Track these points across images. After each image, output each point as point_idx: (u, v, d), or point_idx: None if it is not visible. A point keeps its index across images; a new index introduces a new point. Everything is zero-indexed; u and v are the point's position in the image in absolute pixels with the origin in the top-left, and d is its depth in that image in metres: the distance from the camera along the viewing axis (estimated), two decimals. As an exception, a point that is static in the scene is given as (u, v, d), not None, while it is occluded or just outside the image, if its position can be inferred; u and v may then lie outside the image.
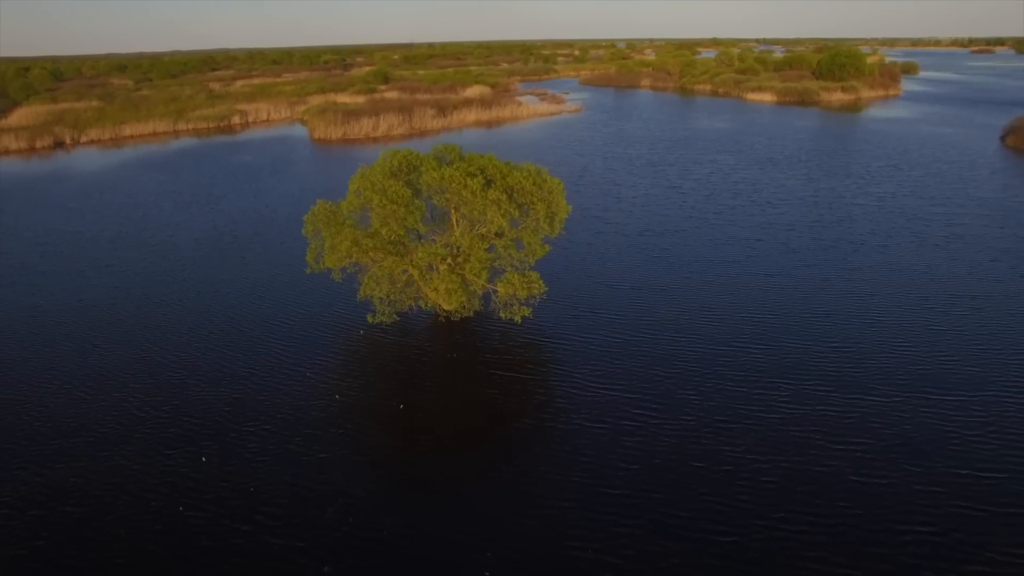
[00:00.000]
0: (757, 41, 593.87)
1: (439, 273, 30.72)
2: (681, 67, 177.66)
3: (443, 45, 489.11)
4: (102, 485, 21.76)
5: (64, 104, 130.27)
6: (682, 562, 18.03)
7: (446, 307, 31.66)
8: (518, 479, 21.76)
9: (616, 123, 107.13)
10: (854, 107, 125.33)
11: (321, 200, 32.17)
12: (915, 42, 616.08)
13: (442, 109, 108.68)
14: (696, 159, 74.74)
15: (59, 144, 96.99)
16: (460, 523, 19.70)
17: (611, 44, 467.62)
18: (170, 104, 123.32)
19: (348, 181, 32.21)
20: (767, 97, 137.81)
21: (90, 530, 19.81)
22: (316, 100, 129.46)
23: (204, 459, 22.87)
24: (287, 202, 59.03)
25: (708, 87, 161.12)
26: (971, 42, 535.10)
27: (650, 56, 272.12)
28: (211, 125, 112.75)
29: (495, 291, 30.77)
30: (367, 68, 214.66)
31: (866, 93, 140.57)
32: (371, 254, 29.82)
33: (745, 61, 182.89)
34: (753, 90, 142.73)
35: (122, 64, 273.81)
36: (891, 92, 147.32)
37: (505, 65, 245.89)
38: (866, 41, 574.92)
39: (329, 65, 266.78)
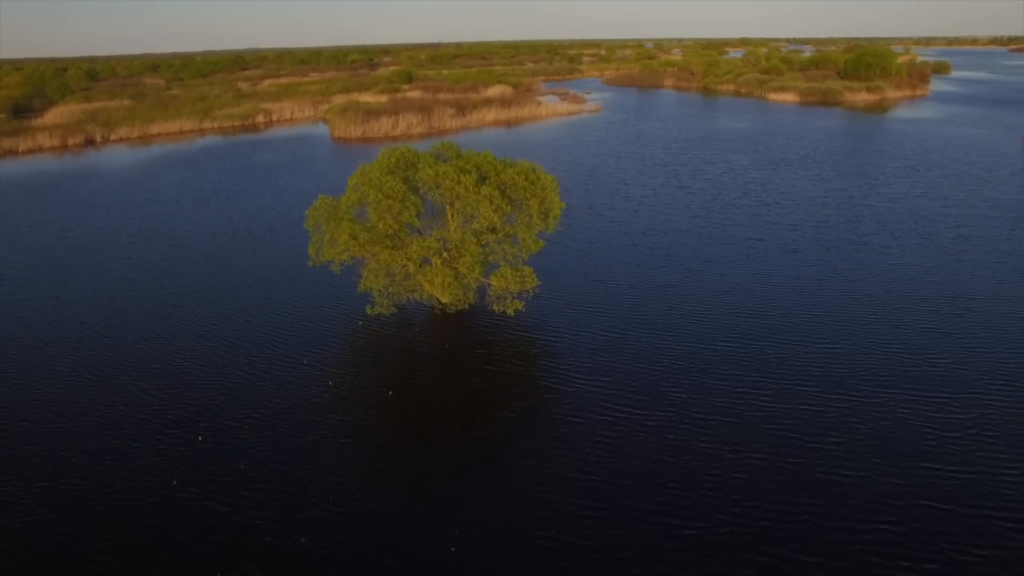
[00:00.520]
0: (788, 41, 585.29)
1: (434, 267, 31.67)
2: (704, 67, 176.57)
3: (470, 45, 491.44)
4: (104, 462, 23.09)
5: (97, 103, 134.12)
6: (643, 551, 18.60)
7: (442, 300, 32.62)
8: (495, 466, 22.57)
9: (634, 123, 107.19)
10: (878, 107, 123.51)
11: (322, 195, 33.34)
12: (951, 41, 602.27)
13: (462, 108, 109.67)
14: (709, 159, 74.69)
15: (90, 142, 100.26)
16: (434, 504, 20.58)
17: (639, 44, 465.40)
18: (198, 103, 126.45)
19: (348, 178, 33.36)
20: (789, 97, 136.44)
21: (88, 502, 21.11)
22: (339, 99, 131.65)
23: (200, 438, 24.12)
24: (302, 199, 60.31)
25: (731, 87, 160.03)
26: (1011, 40, 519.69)
27: (677, 56, 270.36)
28: (236, 124, 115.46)
29: (490, 284, 31.61)
30: (393, 68, 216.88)
31: (892, 93, 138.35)
32: (368, 247, 30.88)
33: (770, 61, 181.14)
34: (776, 90, 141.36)
35: (155, 64, 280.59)
36: (918, 92, 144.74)
37: (530, 65, 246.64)
38: (900, 40, 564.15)
39: (356, 64, 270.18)
